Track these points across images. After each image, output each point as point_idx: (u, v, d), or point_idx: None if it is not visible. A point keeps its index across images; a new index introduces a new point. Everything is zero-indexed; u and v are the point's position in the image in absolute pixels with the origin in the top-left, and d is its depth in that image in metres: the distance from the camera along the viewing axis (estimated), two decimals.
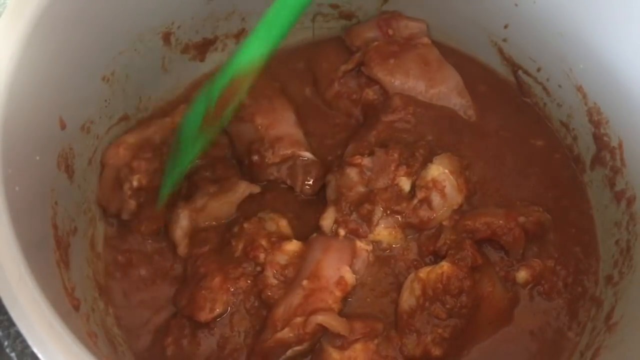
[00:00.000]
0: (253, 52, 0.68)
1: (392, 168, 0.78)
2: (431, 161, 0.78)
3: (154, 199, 0.78)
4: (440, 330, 0.71)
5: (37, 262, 0.57)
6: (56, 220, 0.68)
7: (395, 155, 0.78)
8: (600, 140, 0.79)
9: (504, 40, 0.87)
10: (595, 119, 0.79)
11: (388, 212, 0.76)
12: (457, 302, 0.71)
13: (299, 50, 0.93)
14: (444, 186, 0.76)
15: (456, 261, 0.72)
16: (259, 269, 0.75)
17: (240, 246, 0.76)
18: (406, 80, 0.86)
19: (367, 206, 0.76)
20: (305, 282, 0.73)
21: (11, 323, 0.57)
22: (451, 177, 0.77)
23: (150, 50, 0.82)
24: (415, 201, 0.76)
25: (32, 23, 0.62)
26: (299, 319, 0.70)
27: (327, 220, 0.78)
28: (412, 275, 0.74)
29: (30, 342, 0.52)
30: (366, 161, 0.79)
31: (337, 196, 0.79)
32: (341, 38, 0.92)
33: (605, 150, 0.78)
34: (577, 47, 0.76)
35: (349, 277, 0.74)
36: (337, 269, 0.74)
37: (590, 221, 0.82)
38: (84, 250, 0.76)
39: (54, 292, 0.61)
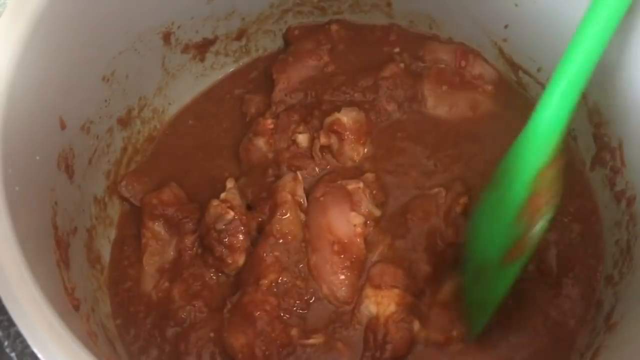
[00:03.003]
0: (547, 137, 0.59)
1: (292, 127, 0.82)
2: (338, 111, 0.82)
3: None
4: None
5: (37, 262, 0.57)
6: (56, 220, 0.68)
7: (296, 116, 0.83)
8: (600, 140, 0.79)
9: (504, 40, 0.87)
10: (595, 119, 0.79)
11: (292, 169, 0.81)
12: None
13: None
14: (344, 133, 0.80)
15: None
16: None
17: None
18: (447, 110, 0.86)
19: (270, 171, 0.81)
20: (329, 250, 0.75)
21: (11, 323, 0.57)
22: (352, 127, 0.81)
23: (150, 50, 0.82)
24: (316, 148, 0.81)
25: (32, 23, 0.62)
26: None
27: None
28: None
29: (30, 342, 0.52)
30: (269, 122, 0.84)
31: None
32: None
33: (605, 151, 0.78)
34: None
35: (359, 221, 0.76)
36: (345, 221, 0.76)
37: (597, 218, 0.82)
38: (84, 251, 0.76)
39: (54, 292, 0.61)
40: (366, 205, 0.78)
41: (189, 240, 0.79)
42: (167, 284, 0.77)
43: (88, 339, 0.63)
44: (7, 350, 0.65)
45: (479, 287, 0.69)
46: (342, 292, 0.74)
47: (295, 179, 0.79)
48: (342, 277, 0.75)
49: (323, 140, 0.81)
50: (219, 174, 0.85)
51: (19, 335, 0.65)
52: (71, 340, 0.53)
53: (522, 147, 0.62)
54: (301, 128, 0.83)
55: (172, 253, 0.79)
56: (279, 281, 0.74)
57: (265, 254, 0.74)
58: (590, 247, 0.79)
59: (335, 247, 0.75)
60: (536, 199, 0.59)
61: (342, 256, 0.75)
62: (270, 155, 0.83)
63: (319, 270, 0.75)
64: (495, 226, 0.64)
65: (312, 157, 0.82)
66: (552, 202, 0.59)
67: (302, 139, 0.83)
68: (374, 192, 0.79)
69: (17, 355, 0.65)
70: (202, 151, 0.88)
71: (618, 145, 0.76)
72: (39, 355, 0.51)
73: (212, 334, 0.74)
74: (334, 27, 0.92)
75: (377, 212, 0.78)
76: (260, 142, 0.84)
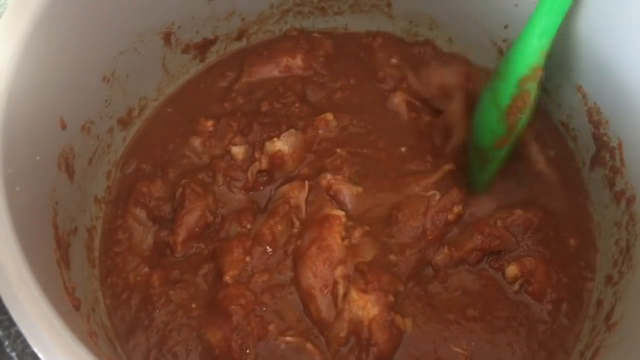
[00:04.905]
0: (533, 50, 0.71)
1: (229, 136, 0.82)
2: (277, 136, 0.81)
3: None
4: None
5: (37, 262, 0.57)
6: (56, 220, 0.68)
7: (235, 125, 0.83)
8: (600, 140, 0.79)
9: (504, 40, 0.87)
10: (595, 119, 0.79)
11: (227, 179, 0.81)
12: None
13: None
14: (286, 161, 0.80)
15: None
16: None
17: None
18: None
19: (202, 175, 0.81)
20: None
21: (12, 323, 0.58)
22: (293, 153, 0.80)
23: (150, 50, 0.82)
24: (255, 169, 0.80)
25: (32, 23, 0.62)
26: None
27: None
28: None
29: (30, 341, 0.52)
30: (210, 124, 0.84)
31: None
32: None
33: (605, 150, 0.78)
34: (577, 47, 0.76)
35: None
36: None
37: (590, 224, 0.82)
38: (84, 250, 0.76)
39: (55, 292, 0.61)
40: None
41: (163, 233, 0.79)
42: (146, 269, 0.77)
43: (88, 339, 0.63)
44: (8, 350, 0.65)
45: (478, 164, 0.81)
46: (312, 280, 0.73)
47: (301, 187, 0.78)
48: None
49: (264, 166, 0.80)
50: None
51: (19, 335, 0.65)
52: (71, 340, 0.53)
53: (515, 52, 0.74)
54: (237, 139, 0.82)
55: (151, 240, 0.79)
56: (260, 280, 0.74)
57: (235, 248, 0.75)
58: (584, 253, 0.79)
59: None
60: (519, 100, 0.73)
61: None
62: (206, 159, 0.83)
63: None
64: (489, 117, 0.77)
65: (247, 175, 0.81)
66: (530, 105, 0.74)
67: (237, 151, 0.81)
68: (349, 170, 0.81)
69: (17, 355, 0.65)
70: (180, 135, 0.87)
71: (618, 145, 0.76)
72: (40, 355, 0.51)
73: (195, 316, 0.74)
74: (315, 34, 0.92)
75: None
76: (196, 142, 0.84)
